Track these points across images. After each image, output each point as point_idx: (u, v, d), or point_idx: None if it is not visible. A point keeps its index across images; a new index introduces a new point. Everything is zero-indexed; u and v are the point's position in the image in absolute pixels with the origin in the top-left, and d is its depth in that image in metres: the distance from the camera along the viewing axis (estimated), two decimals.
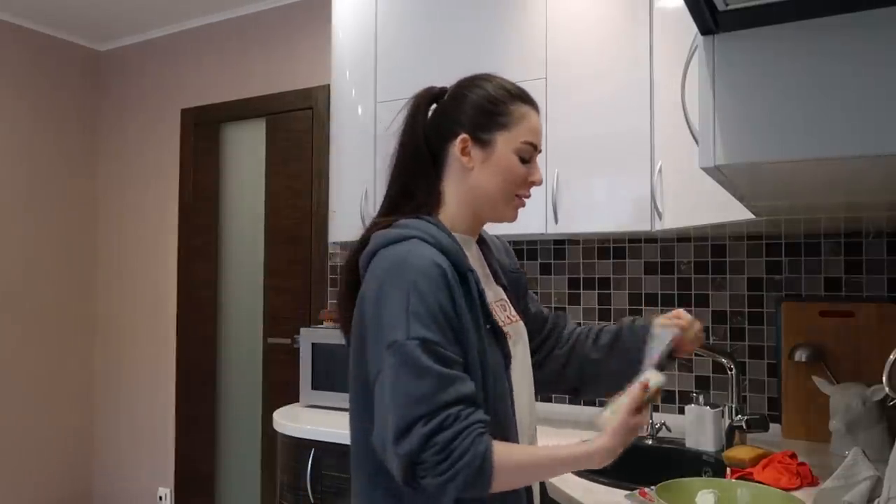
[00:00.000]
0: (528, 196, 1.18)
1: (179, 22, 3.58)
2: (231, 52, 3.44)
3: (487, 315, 1.07)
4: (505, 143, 1.12)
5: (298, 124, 3.22)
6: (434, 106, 1.17)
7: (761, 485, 1.11)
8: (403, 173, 1.15)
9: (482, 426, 0.97)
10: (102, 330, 3.83)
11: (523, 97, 1.15)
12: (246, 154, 3.43)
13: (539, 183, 1.17)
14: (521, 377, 1.16)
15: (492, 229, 1.28)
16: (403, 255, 1.03)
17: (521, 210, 1.18)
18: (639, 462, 1.92)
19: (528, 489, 1.13)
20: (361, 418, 1.06)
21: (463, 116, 1.13)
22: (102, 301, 3.84)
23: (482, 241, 1.25)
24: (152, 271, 3.67)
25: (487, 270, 1.22)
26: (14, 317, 3.47)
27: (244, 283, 3.40)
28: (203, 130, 3.53)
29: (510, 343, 1.11)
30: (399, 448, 0.95)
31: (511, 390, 1.10)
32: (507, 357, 1.09)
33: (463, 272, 1.05)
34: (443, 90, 1.18)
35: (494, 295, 1.18)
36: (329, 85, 2.71)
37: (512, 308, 1.21)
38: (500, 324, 1.11)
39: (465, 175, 1.13)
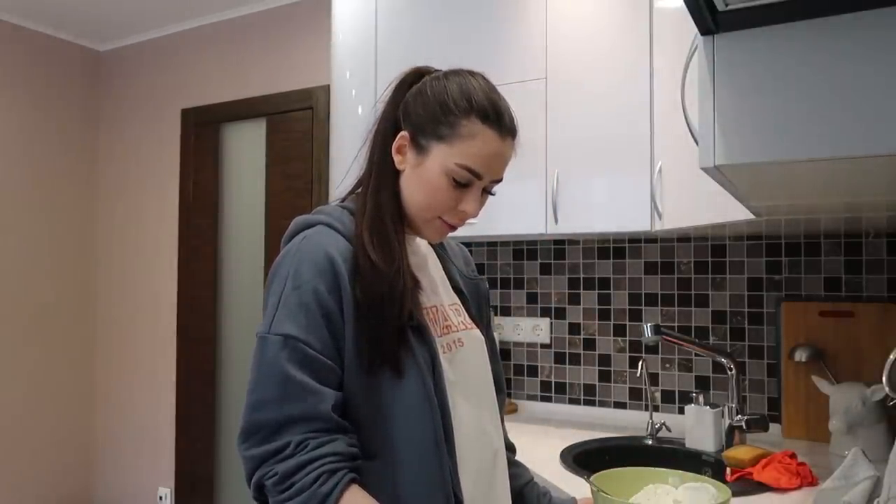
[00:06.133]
0: (457, 224, 1.04)
1: (179, 22, 3.58)
2: (231, 52, 3.44)
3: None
4: (438, 158, 0.98)
5: (298, 124, 3.22)
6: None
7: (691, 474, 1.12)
8: (370, 150, 1.06)
9: (334, 460, 0.88)
10: (102, 330, 3.83)
11: (485, 114, 0.98)
12: (246, 154, 3.43)
13: (471, 215, 1.02)
14: (467, 391, 1.04)
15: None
16: (300, 241, 0.98)
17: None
18: (639, 462, 1.92)
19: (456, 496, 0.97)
20: None
21: (413, 111, 1.01)
22: (102, 301, 3.84)
23: (440, 245, 1.17)
24: (152, 271, 3.67)
25: (443, 273, 1.14)
26: (14, 317, 3.47)
27: (244, 283, 3.40)
28: (203, 130, 3.53)
29: (454, 349, 1.03)
30: (243, 451, 0.91)
31: (442, 402, 0.97)
32: (433, 359, 0.98)
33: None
34: (424, 74, 1.07)
35: (449, 299, 1.11)
36: (329, 85, 2.71)
37: (467, 314, 1.12)
38: (446, 325, 1.04)
39: (399, 176, 1.03)
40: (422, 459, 0.94)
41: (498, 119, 1.00)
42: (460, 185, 0.99)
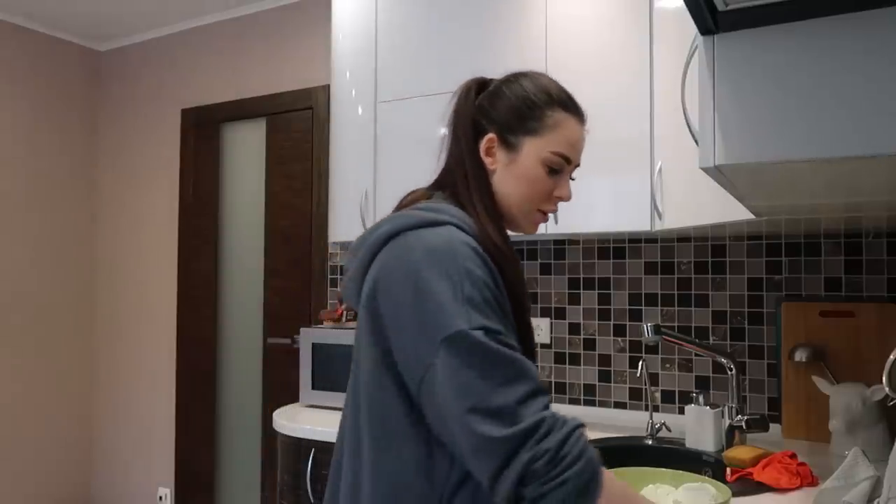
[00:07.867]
0: (553, 210, 1.12)
1: (179, 22, 3.58)
2: (231, 52, 3.45)
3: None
4: (532, 151, 1.06)
5: (298, 124, 3.22)
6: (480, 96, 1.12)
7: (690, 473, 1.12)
8: (456, 156, 1.09)
9: (583, 429, 0.90)
10: (102, 330, 3.83)
11: (565, 104, 1.08)
12: (246, 154, 3.43)
13: (566, 199, 1.11)
14: None
15: None
16: (446, 239, 0.94)
17: None
18: (639, 462, 1.92)
19: None
20: (385, 434, 0.96)
21: (494, 114, 1.08)
22: (102, 301, 3.84)
23: None
24: (152, 271, 3.67)
25: None
26: (14, 316, 3.47)
27: (244, 284, 3.40)
28: (203, 130, 3.53)
29: None
30: (499, 433, 0.84)
31: None
32: (534, 359, 1.02)
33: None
34: (489, 81, 1.14)
35: None
36: (329, 85, 2.71)
37: None
38: None
39: (490, 176, 1.08)
40: None
41: (575, 107, 1.09)
42: (554, 173, 1.07)
